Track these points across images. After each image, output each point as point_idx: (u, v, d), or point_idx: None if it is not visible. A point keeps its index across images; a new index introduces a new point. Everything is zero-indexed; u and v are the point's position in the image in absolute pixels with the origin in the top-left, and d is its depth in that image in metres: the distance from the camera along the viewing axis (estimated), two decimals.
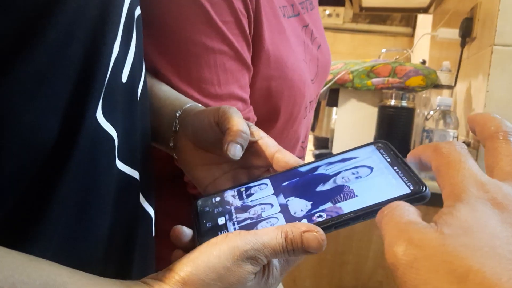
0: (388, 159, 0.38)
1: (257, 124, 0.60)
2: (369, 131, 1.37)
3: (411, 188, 0.34)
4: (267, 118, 0.62)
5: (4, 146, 0.26)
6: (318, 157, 0.42)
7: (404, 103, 1.30)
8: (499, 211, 0.20)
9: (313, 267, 1.21)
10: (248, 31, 0.57)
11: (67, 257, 0.30)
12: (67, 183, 0.29)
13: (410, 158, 0.28)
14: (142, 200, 0.42)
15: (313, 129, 1.65)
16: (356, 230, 1.17)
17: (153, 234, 0.45)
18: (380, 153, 0.39)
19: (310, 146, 1.69)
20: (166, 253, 0.38)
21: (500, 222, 0.20)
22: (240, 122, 0.41)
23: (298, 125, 0.67)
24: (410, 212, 0.23)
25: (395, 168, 0.36)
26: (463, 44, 1.36)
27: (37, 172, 0.28)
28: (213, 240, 0.34)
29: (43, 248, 0.29)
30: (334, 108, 1.52)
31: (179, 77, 0.54)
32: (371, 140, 1.34)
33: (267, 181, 0.42)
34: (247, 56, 0.57)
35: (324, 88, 1.42)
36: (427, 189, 0.33)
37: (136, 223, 0.40)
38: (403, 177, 0.35)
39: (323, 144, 1.58)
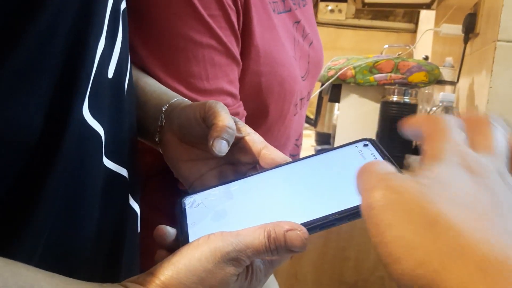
0: (375, 157, 0.37)
1: (247, 120, 0.60)
2: (371, 127, 1.37)
3: None
4: (257, 115, 0.62)
5: None
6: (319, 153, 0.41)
7: (406, 99, 1.30)
8: (471, 174, 0.23)
9: (315, 262, 1.21)
10: (236, 26, 0.56)
11: (54, 256, 0.30)
12: (53, 182, 0.29)
13: (406, 127, 0.30)
14: (129, 197, 0.42)
15: (315, 124, 1.65)
16: (358, 226, 1.17)
17: (138, 231, 0.45)
18: (367, 150, 0.38)
19: (312, 142, 1.69)
20: (155, 247, 0.37)
21: (470, 181, 0.23)
22: (226, 117, 0.40)
23: (289, 122, 0.66)
24: (388, 167, 0.25)
25: None
26: (466, 40, 1.35)
27: (22, 171, 0.27)
28: (195, 242, 0.33)
29: (31, 247, 0.28)
30: (336, 104, 1.51)
31: (167, 72, 0.54)
32: (373, 135, 1.33)
33: (253, 178, 0.41)
34: (236, 51, 0.57)
35: (327, 83, 1.42)
36: None
37: (123, 220, 0.40)
38: None
39: (325, 139, 1.58)
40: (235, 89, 0.58)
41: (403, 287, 0.21)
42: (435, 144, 0.25)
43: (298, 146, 0.75)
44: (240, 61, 0.58)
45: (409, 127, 0.29)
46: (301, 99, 0.68)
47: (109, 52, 0.35)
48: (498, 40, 1.16)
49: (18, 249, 0.27)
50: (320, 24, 2.65)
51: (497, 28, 1.16)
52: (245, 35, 0.58)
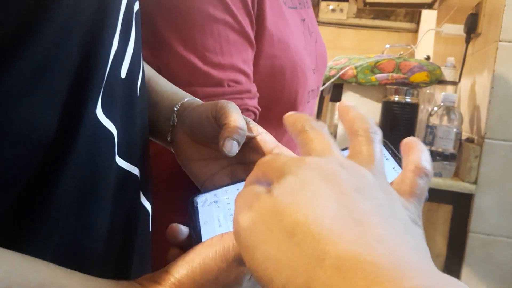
0: (386, 158, 0.37)
1: (261, 104, 0.60)
2: None
3: None
4: (271, 98, 0.62)
5: (1, 144, 0.26)
6: None
7: (408, 99, 1.30)
8: (317, 172, 0.23)
9: None
10: (251, 8, 0.57)
11: (66, 254, 0.30)
12: (67, 180, 0.29)
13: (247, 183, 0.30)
14: (141, 195, 0.42)
15: None
16: None
17: (150, 229, 0.45)
18: None
19: None
20: (165, 247, 0.37)
21: (319, 179, 0.23)
22: (237, 118, 0.40)
23: (303, 109, 0.67)
24: (257, 186, 0.25)
25: (393, 167, 0.36)
26: (468, 40, 1.35)
27: (36, 169, 0.28)
28: (208, 241, 0.33)
29: (43, 245, 0.29)
30: (338, 104, 1.51)
31: (183, 44, 0.55)
32: None
33: None
34: (251, 33, 0.58)
35: (328, 83, 1.42)
36: None
37: (135, 219, 0.40)
38: None
39: None
40: (249, 69, 0.58)
41: None
42: (275, 169, 0.25)
43: None
44: (255, 44, 0.59)
45: (251, 181, 0.29)
46: (312, 90, 0.69)
47: (122, 52, 0.35)
48: (500, 41, 1.16)
49: (30, 246, 0.28)
50: (321, 23, 2.65)
51: (499, 28, 1.16)
52: (259, 19, 0.59)
